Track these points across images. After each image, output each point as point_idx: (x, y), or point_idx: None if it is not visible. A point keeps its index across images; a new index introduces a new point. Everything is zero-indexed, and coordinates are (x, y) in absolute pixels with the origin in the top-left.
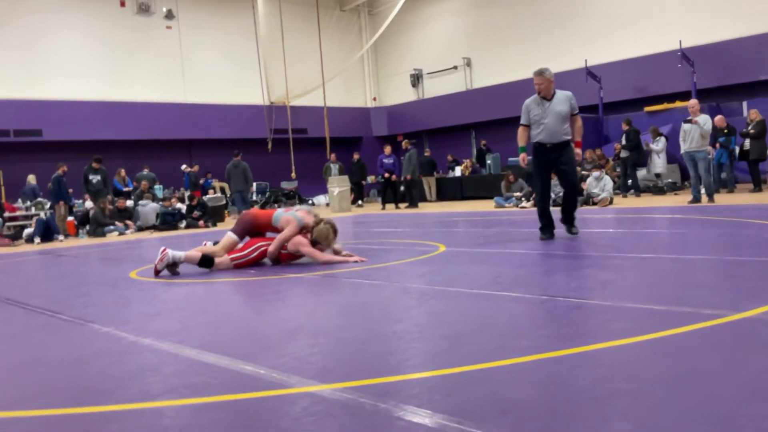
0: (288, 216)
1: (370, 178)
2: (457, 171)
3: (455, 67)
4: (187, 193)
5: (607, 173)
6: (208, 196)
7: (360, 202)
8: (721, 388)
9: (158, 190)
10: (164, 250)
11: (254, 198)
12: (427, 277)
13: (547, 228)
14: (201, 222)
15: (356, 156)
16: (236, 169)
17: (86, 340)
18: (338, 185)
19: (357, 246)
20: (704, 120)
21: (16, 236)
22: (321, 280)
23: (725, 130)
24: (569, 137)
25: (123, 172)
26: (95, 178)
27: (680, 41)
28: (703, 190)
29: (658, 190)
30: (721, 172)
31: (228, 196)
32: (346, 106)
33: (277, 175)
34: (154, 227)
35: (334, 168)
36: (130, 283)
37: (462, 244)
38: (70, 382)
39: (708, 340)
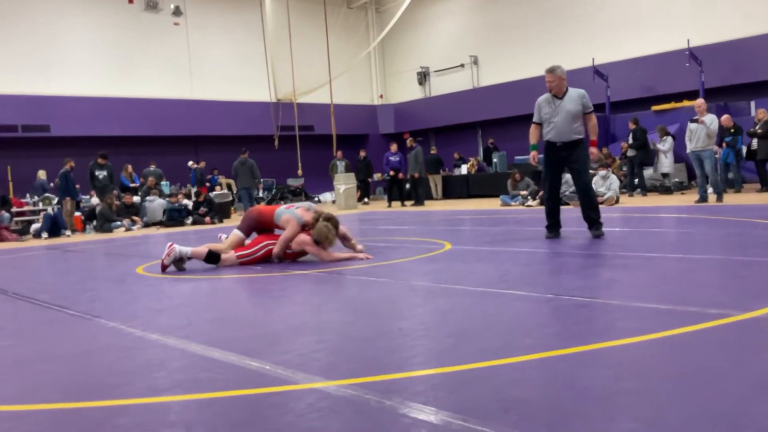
0: (287, 215)
1: (377, 176)
2: (463, 169)
3: (462, 65)
4: (193, 190)
5: (613, 172)
6: (214, 192)
7: (366, 199)
8: (728, 387)
9: (165, 186)
10: (171, 245)
11: (260, 195)
12: (433, 275)
13: (553, 227)
14: (207, 218)
15: (362, 153)
16: (243, 166)
17: (93, 335)
18: (344, 182)
19: (363, 243)
20: (710, 119)
21: (23, 231)
22: (327, 276)
23: (732, 130)
24: (580, 136)
25: (130, 168)
26: (101, 174)
27: (688, 40)
28: (710, 189)
29: (665, 190)
30: (727, 172)
31: (234, 192)
32: (352, 104)
33: (284, 172)
34: (160, 223)
35: (341, 165)
36: (136, 278)
37: (468, 242)
38: (76, 377)
39: (714, 340)
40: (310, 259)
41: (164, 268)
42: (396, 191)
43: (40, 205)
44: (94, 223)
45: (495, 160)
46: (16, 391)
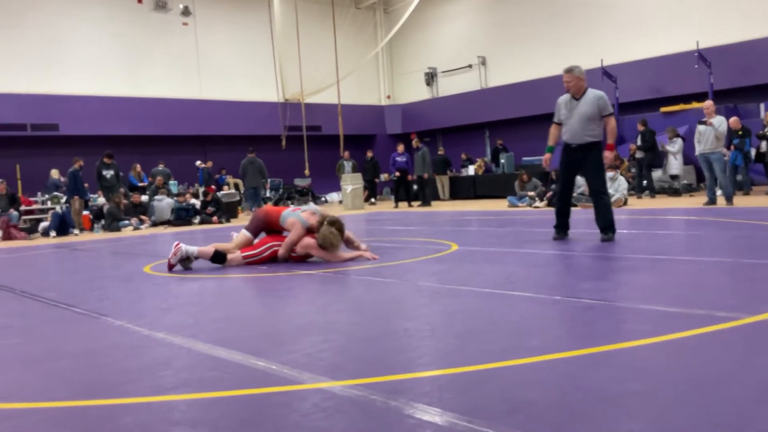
0: (293, 218)
1: (383, 176)
2: (471, 170)
3: (470, 66)
4: (201, 189)
5: (622, 174)
6: (222, 192)
7: (373, 199)
8: (734, 390)
9: (173, 185)
10: (178, 244)
11: (268, 194)
12: (439, 276)
13: (561, 228)
14: (215, 218)
15: (369, 154)
16: (252, 166)
17: (100, 333)
18: (351, 183)
19: (369, 244)
20: (719, 121)
21: (32, 230)
22: (333, 277)
23: (740, 132)
24: (595, 139)
25: (138, 167)
26: (109, 173)
27: (697, 42)
28: (719, 192)
29: (674, 192)
30: (736, 174)
31: (242, 192)
32: (360, 104)
33: (291, 171)
34: (168, 222)
35: (348, 165)
36: (144, 277)
37: (474, 243)
38: (83, 375)
39: (722, 343)
40: (315, 259)
41: (171, 267)
42: (403, 192)
43: (49, 204)
44: (102, 222)
45: (502, 160)
46: (22, 388)
